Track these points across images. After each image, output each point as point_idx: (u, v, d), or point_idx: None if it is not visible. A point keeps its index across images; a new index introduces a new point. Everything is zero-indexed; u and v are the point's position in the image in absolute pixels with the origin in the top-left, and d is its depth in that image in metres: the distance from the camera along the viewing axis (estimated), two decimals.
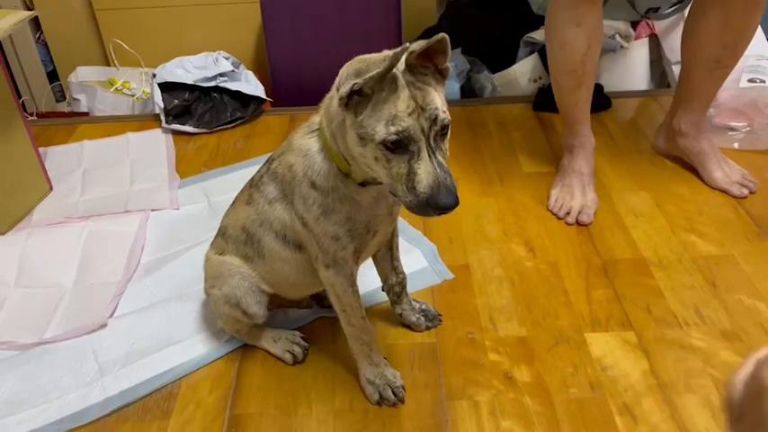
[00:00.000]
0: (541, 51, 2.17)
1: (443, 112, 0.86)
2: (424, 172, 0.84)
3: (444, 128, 0.87)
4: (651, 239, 1.52)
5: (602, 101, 2.08)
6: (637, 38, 2.20)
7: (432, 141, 0.86)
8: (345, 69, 0.85)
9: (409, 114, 0.84)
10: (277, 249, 1.10)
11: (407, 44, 0.82)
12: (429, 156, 0.85)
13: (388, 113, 0.84)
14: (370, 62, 0.82)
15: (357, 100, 0.85)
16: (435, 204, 0.84)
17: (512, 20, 2.25)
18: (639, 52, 2.21)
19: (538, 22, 2.23)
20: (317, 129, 0.99)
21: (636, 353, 1.23)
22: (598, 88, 2.11)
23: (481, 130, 1.99)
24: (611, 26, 2.16)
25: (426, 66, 0.88)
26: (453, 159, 1.85)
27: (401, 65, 0.85)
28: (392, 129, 0.83)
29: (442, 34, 0.84)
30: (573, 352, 1.24)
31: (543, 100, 2.08)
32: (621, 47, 2.15)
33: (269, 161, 1.09)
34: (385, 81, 0.84)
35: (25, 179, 1.71)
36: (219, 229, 1.20)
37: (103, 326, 1.31)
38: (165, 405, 1.18)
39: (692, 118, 1.69)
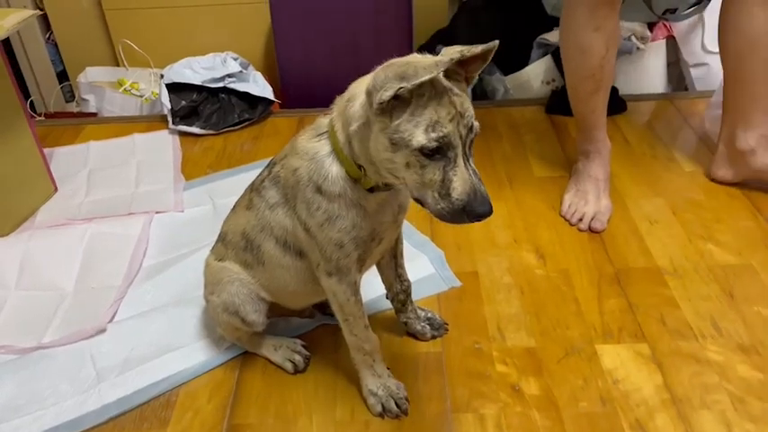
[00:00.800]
0: (555, 53, 2.13)
1: (476, 120, 0.85)
2: (460, 179, 0.83)
3: (475, 135, 0.86)
4: (666, 247, 1.47)
5: (617, 104, 2.03)
6: (653, 39, 2.15)
7: (467, 149, 0.85)
8: (384, 72, 0.81)
9: (450, 121, 0.82)
10: (277, 256, 1.06)
11: (449, 50, 0.80)
12: (464, 163, 0.84)
13: (429, 119, 0.81)
14: (418, 66, 0.79)
15: (394, 104, 0.82)
16: (472, 212, 0.83)
17: (525, 21, 2.21)
18: (656, 54, 2.16)
19: (551, 23, 2.19)
20: (326, 132, 0.96)
21: (649, 366, 1.19)
22: (613, 91, 2.05)
23: (492, 133, 1.95)
24: (627, 27, 2.11)
25: (459, 72, 0.86)
26: None
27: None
28: (433, 135, 0.81)
29: (496, 42, 0.83)
30: (583, 364, 1.20)
31: (556, 102, 2.04)
32: (637, 48, 2.10)
33: (270, 165, 1.06)
34: (425, 86, 0.81)
35: (29, 180, 1.69)
36: (220, 235, 1.17)
37: (103, 331, 1.29)
38: (163, 414, 1.15)
39: (759, 131, 1.54)
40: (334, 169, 0.94)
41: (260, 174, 1.08)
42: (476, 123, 0.85)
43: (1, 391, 1.18)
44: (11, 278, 1.44)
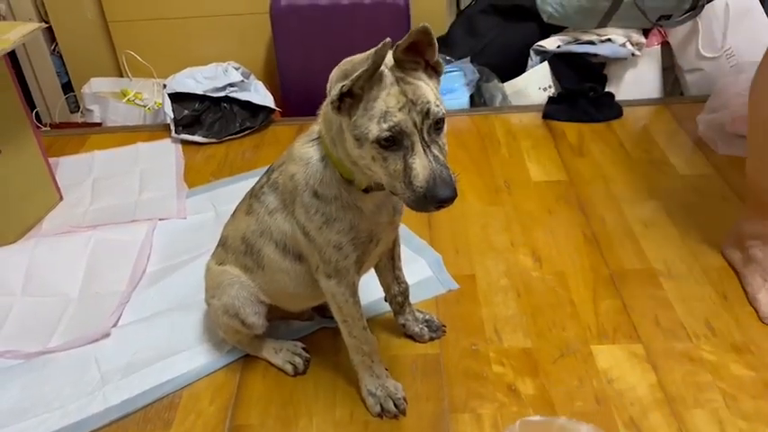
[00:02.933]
0: (551, 60, 2.16)
1: (436, 106, 0.86)
2: (420, 166, 0.84)
3: (439, 121, 0.86)
4: (661, 249, 1.49)
5: (612, 109, 2.06)
6: (648, 45, 2.17)
7: (425, 135, 0.85)
8: (334, 73, 0.85)
9: (400, 109, 0.83)
10: (277, 260, 1.09)
11: (388, 39, 0.81)
12: (424, 150, 0.84)
13: (380, 111, 0.83)
14: (356, 62, 0.82)
15: (349, 102, 0.85)
16: (433, 197, 0.83)
17: (522, 29, 2.24)
18: (651, 60, 2.19)
19: (548, 31, 2.22)
20: (318, 137, 0.99)
21: (643, 366, 1.21)
22: (609, 96, 2.10)
23: (490, 139, 1.98)
24: (622, 34, 2.14)
25: (417, 61, 0.88)
26: (461, 168, 1.83)
27: (389, 61, 0.85)
28: (384, 125, 0.83)
29: (423, 25, 0.83)
30: (579, 364, 1.22)
31: (553, 109, 2.07)
32: (633, 55, 2.13)
33: (269, 171, 1.08)
34: (374, 80, 0.84)
35: (35, 189, 1.72)
36: (220, 240, 1.20)
37: (107, 335, 1.31)
38: (166, 415, 1.17)
39: None
40: (327, 173, 0.96)
41: (259, 180, 1.11)
42: (435, 108, 0.85)
43: (7, 395, 1.21)
44: (17, 285, 1.47)
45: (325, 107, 0.94)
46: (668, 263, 1.45)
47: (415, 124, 0.84)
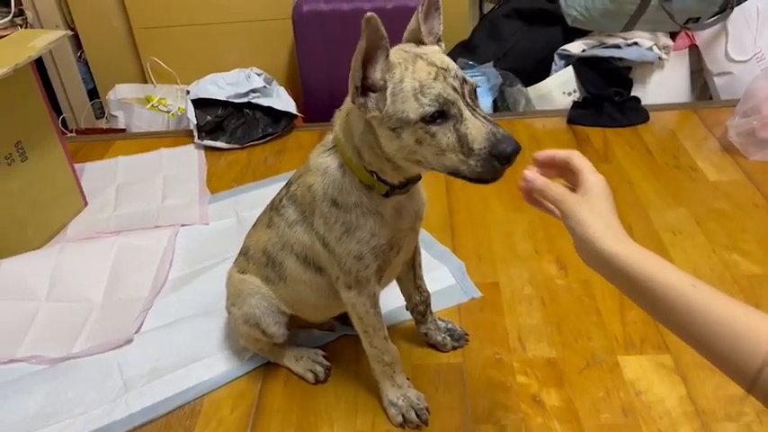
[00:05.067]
0: (576, 64, 2.13)
1: (461, 69, 0.84)
2: (474, 128, 0.79)
3: (474, 90, 0.84)
4: (690, 258, 1.45)
5: (639, 114, 2.02)
6: (676, 49, 2.13)
7: (468, 99, 0.82)
8: (350, 75, 0.83)
9: (434, 79, 0.81)
10: (298, 272, 1.08)
11: (371, 13, 0.80)
12: (472, 113, 0.81)
13: (412, 88, 0.81)
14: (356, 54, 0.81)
15: (375, 97, 0.83)
16: (501, 154, 0.79)
17: (546, 33, 2.21)
18: (679, 64, 2.15)
19: (572, 34, 2.20)
20: (333, 146, 0.97)
21: (672, 377, 1.18)
22: (635, 100, 2.06)
23: None
24: (649, 37, 2.10)
25: (430, 33, 0.88)
26: None
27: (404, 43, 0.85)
28: (425, 100, 0.80)
29: None
30: (605, 375, 1.19)
31: (578, 113, 2.04)
32: (660, 58, 2.09)
33: (288, 184, 1.08)
34: (391, 64, 0.82)
35: (60, 194, 1.74)
36: (242, 248, 1.20)
37: (129, 341, 1.32)
38: (187, 422, 1.17)
39: None
40: (347, 180, 0.95)
41: (279, 192, 1.10)
42: (467, 76, 0.83)
43: (31, 401, 1.21)
44: (42, 290, 1.48)
45: (344, 116, 0.93)
46: (698, 271, 1.41)
47: (455, 89, 0.81)
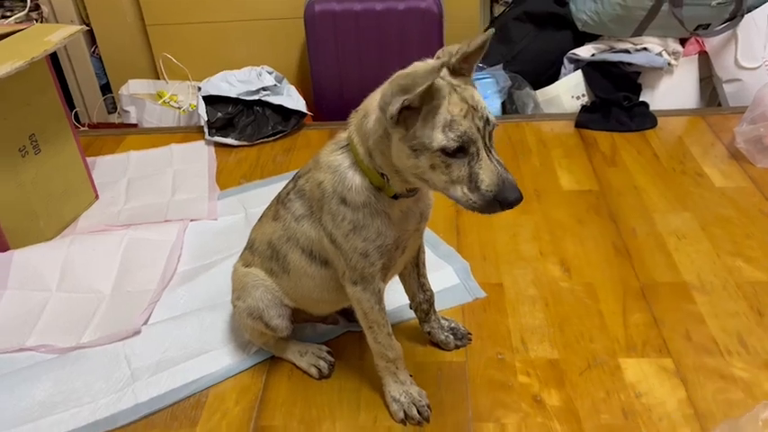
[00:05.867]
0: (585, 69, 2.14)
1: (489, 112, 0.88)
2: (487, 171, 0.86)
3: (493, 130, 0.88)
4: (694, 263, 1.46)
5: (647, 119, 2.03)
6: (686, 55, 2.14)
7: (487, 140, 0.87)
8: (389, 87, 0.85)
9: (464, 117, 0.84)
10: (303, 265, 1.10)
11: (449, 49, 0.83)
12: (488, 155, 0.86)
13: (444, 120, 0.84)
14: (416, 76, 0.82)
15: (406, 114, 0.86)
16: (504, 201, 0.86)
17: (556, 36, 2.22)
18: (688, 70, 2.15)
19: (582, 38, 2.20)
20: (346, 145, 0.99)
21: (673, 380, 1.19)
22: (643, 105, 2.07)
23: (521, 147, 1.97)
24: (659, 43, 2.11)
25: (463, 66, 0.89)
26: None
27: (444, 69, 0.86)
28: (451, 135, 0.84)
29: (492, 30, 0.85)
30: (606, 377, 1.20)
31: (586, 117, 2.05)
32: (669, 64, 2.10)
33: (295, 178, 1.09)
34: (432, 89, 0.84)
35: (73, 187, 1.77)
36: (248, 242, 1.22)
37: (137, 333, 1.34)
38: (193, 414, 1.19)
39: None
40: (357, 180, 0.97)
41: (285, 186, 1.12)
42: (491, 116, 0.87)
43: (40, 388, 1.23)
44: (52, 281, 1.50)
45: (362, 119, 0.95)
46: (701, 277, 1.42)
47: (478, 130, 0.85)
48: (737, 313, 1.32)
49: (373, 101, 0.92)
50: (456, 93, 0.85)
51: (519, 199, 0.86)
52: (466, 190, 0.87)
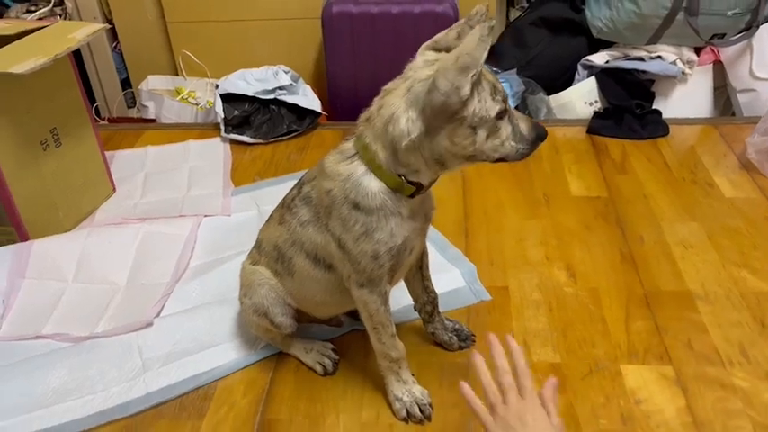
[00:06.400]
0: (599, 75, 2.15)
1: None
2: (521, 120, 0.99)
3: None
4: (699, 272, 1.47)
5: (659, 127, 2.03)
6: (700, 64, 2.14)
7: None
8: (443, 78, 0.87)
9: (497, 81, 0.94)
10: (307, 269, 1.12)
11: (487, 23, 0.87)
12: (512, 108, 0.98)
13: (489, 88, 0.92)
14: (466, 53, 0.86)
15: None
16: (541, 136, 1.00)
17: (570, 43, 2.23)
18: (702, 79, 2.15)
19: (597, 45, 2.21)
20: (355, 154, 1.00)
21: (673, 388, 1.20)
22: (655, 113, 2.07)
23: None
24: (674, 51, 2.11)
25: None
26: (502, 179, 1.85)
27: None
28: (498, 98, 0.93)
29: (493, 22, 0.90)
30: (606, 382, 1.22)
31: (598, 124, 2.06)
32: (683, 73, 2.10)
33: (299, 184, 1.12)
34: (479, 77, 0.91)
35: (91, 180, 1.81)
36: (256, 242, 1.25)
37: (150, 324, 1.37)
38: (201, 405, 1.22)
39: None
40: (373, 185, 0.99)
41: (290, 191, 1.15)
42: None
43: (55, 375, 1.27)
44: (69, 271, 1.54)
45: (381, 126, 0.96)
46: (706, 286, 1.43)
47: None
48: (740, 323, 1.33)
49: (393, 106, 0.94)
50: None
51: (546, 132, 1.01)
52: (513, 143, 0.97)
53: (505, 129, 0.96)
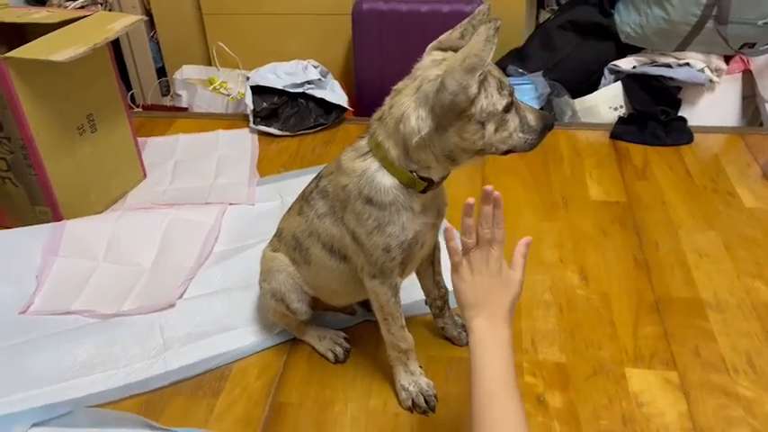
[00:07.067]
0: (625, 80, 2.15)
1: None
2: (528, 111, 1.02)
3: None
4: (713, 281, 1.48)
5: (683, 134, 2.03)
6: (729, 72, 2.13)
7: None
8: (451, 78, 0.91)
9: (501, 75, 0.97)
10: (323, 259, 1.17)
11: (493, 24, 0.89)
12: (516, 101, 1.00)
13: (495, 84, 0.95)
14: (473, 54, 0.89)
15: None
16: (549, 125, 1.03)
17: (598, 47, 2.24)
18: (730, 88, 2.14)
19: (625, 50, 2.21)
20: (369, 151, 1.04)
21: (676, 393, 1.22)
22: (680, 120, 2.07)
23: (553, 155, 2.00)
24: (702, 59, 2.10)
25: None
26: (521, 181, 1.87)
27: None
28: (505, 92, 0.96)
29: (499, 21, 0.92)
30: (610, 384, 1.24)
31: (622, 129, 2.06)
32: (711, 81, 2.09)
33: (318, 178, 1.17)
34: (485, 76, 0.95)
35: (123, 165, 1.88)
36: (277, 230, 1.30)
37: (172, 305, 1.43)
38: (216, 385, 1.28)
39: None
40: (386, 181, 1.03)
41: (309, 184, 1.20)
42: None
43: (83, 349, 1.34)
44: (99, 251, 1.62)
45: (392, 124, 0.99)
46: (718, 295, 1.44)
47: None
48: (750, 334, 1.34)
49: (403, 105, 0.98)
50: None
51: (553, 119, 1.05)
52: (521, 134, 1.00)
53: (513, 121, 0.99)
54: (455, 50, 0.95)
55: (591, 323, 1.38)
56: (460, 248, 1.03)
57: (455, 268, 1.03)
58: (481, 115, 0.95)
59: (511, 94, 0.97)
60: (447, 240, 1.04)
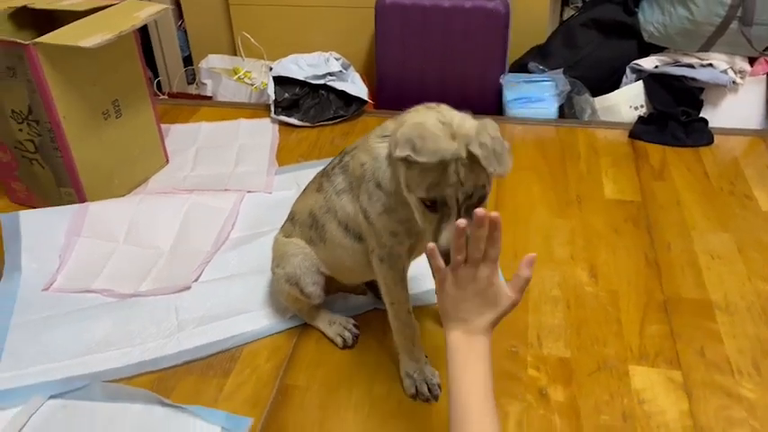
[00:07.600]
0: (646, 79, 2.14)
1: (482, 188, 0.94)
2: (448, 232, 0.94)
3: (481, 199, 0.95)
4: (723, 283, 1.48)
5: (704, 135, 2.02)
6: (753, 74, 2.11)
7: (463, 210, 0.94)
8: (408, 131, 0.91)
9: (450, 185, 0.92)
10: (338, 237, 1.20)
11: (478, 147, 0.90)
12: (456, 219, 0.93)
13: (431, 181, 0.92)
14: (429, 142, 0.90)
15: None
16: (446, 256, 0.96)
17: (620, 45, 2.23)
18: (754, 89, 2.12)
19: (647, 49, 2.20)
20: (389, 135, 1.06)
21: (678, 392, 1.23)
22: (701, 122, 2.06)
23: (570, 152, 2.00)
24: (726, 60, 2.08)
25: None
26: (537, 177, 1.88)
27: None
28: (431, 194, 0.93)
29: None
30: (613, 381, 1.25)
31: (641, 129, 2.06)
32: (734, 82, 2.07)
33: (342, 154, 1.19)
34: None
35: (147, 151, 1.93)
36: (289, 215, 1.33)
37: (188, 288, 1.48)
38: (227, 365, 1.32)
39: None
40: (390, 170, 1.05)
41: (332, 161, 1.22)
42: (479, 192, 0.93)
43: (101, 326, 1.39)
44: (120, 233, 1.66)
45: (398, 126, 1.00)
46: (728, 297, 1.44)
47: (457, 201, 0.93)
48: (757, 337, 1.34)
49: (414, 119, 0.98)
50: (453, 165, 0.91)
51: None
52: (430, 234, 0.97)
53: (430, 220, 0.97)
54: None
55: (597, 320, 1.39)
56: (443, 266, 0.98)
57: (440, 284, 0.99)
58: (407, 180, 0.95)
59: (440, 203, 0.94)
60: (429, 258, 0.98)
